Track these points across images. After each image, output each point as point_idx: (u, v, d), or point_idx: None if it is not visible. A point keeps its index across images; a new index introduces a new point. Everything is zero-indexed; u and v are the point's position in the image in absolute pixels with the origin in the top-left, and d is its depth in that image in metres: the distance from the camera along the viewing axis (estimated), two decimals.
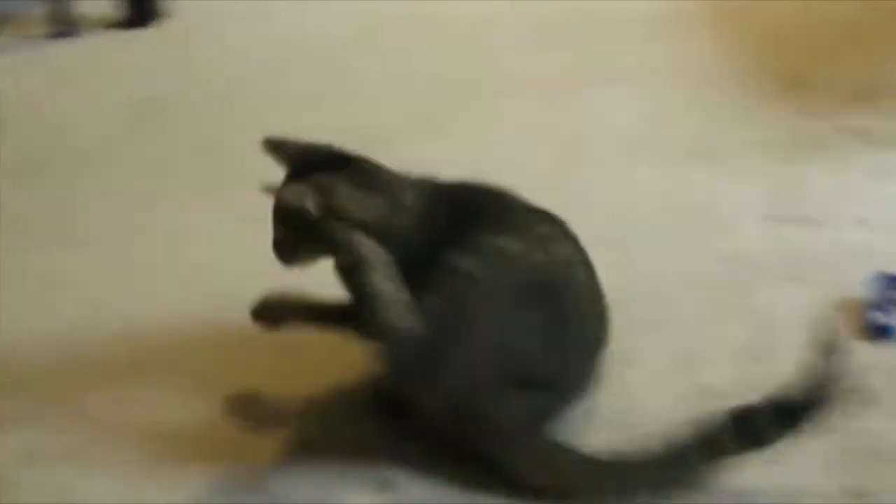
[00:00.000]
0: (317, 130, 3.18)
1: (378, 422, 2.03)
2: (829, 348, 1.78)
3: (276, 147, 2.11)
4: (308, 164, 2.07)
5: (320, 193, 1.97)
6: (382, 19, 4.14)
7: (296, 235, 2.01)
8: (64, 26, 4.32)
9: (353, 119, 3.28)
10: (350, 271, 1.95)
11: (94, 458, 2.03)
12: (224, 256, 2.62)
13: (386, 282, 1.90)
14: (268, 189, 2.04)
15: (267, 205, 2.56)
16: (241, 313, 2.21)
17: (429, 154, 2.99)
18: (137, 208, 2.93)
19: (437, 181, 2.13)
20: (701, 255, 2.50)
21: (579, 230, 2.44)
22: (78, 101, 3.77)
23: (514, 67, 3.63)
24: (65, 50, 4.22)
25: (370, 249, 1.93)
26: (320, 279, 2.03)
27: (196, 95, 3.67)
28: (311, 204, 1.96)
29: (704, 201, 2.72)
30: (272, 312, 2.13)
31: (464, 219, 2.00)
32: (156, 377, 2.23)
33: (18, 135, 3.53)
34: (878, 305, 2.23)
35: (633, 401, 2.06)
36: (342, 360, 2.13)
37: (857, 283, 2.29)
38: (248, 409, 2.14)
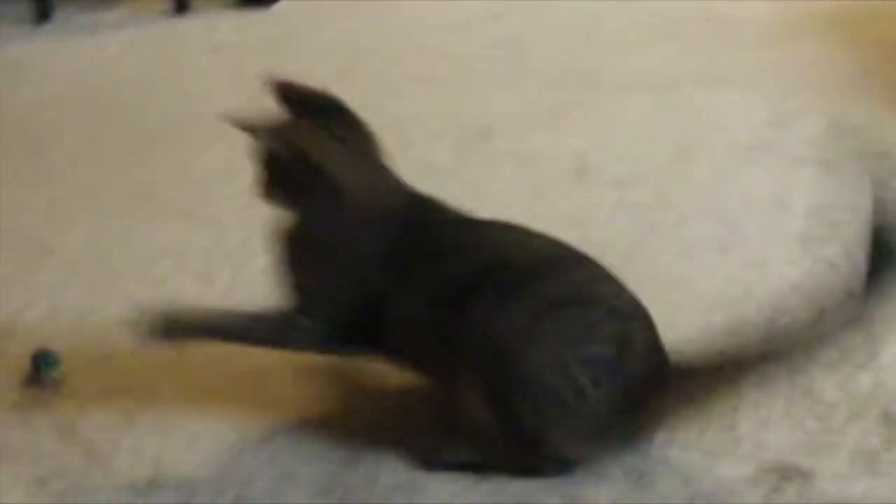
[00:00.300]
0: (427, 119, 3.23)
1: None
2: None
3: (279, 88, 2.10)
4: (303, 109, 2.06)
5: (296, 138, 1.96)
6: (499, 10, 4.14)
7: (272, 177, 2.00)
8: (181, 2, 4.38)
9: (463, 109, 3.29)
10: None
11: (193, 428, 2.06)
12: None
13: None
14: (242, 125, 2.00)
15: None
16: None
17: (537, 146, 3.01)
18: (246, 187, 2.95)
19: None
20: (808, 261, 2.46)
21: (686, 231, 2.45)
22: (195, 78, 3.82)
23: (629, 65, 3.62)
24: (182, 26, 4.29)
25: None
26: None
27: (309, 76, 3.68)
28: (281, 147, 1.95)
29: (815, 208, 2.68)
30: (172, 329, 2.02)
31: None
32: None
33: (136, 110, 3.59)
34: None
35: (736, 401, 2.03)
36: None
37: None
38: None
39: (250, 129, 1.99)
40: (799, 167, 2.88)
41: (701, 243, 2.54)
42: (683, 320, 2.22)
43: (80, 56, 4.15)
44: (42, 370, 2.17)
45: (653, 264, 2.46)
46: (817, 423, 1.96)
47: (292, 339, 2.00)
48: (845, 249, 2.47)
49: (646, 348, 1.85)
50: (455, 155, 2.99)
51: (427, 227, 2.00)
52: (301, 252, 2.00)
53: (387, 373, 2.04)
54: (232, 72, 3.84)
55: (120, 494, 1.89)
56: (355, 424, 2.02)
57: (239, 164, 3.05)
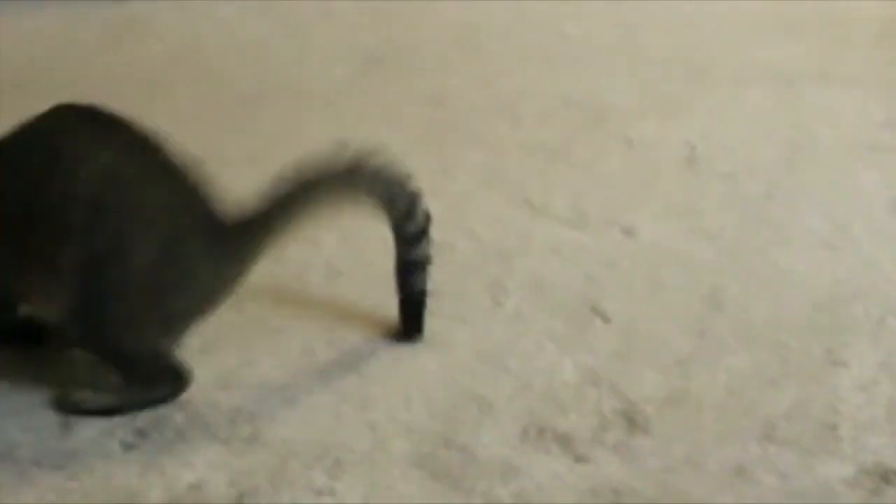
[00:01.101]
0: (539, 98, 3.22)
1: None
2: None
3: None
4: None
5: None
6: None
7: None
8: None
9: (578, 90, 3.28)
10: None
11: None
12: (441, 214, 2.62)
13: None
14: None
15: (494, 168, 2.60)
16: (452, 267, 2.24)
17: (647, 133, 2.99)
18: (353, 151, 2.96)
19: None
20: None
21: (794, 227, 2.42)
22: (307, 45, 3.83)
23: (745, 57, 3.58)
24: None
25: None
26: None
27: (425, 50, 3.70)
28: None
29: None
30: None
31: None
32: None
33: (248, 73, 3.61)
34: None
35: (838, 402, 2.01)
36: None
37: None
38: None
39: None
40: None
41: (809, 240, 2.51)
42: (788, 317, 2.20)
43: (198, 17, 4.18)
44: None
45: (759, 258, 2.43)
46: None
47: None
48: None
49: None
50: (565, 136, 2.97)
51: None
52: None
53: None
54: (345, 40, 3.85)
55: (217, 451, 1.91)
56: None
57: (350, 133, 3.09)
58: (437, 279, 2.34)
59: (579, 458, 1.86)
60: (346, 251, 2.51)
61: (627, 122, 3.05)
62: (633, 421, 1.94)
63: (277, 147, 3.04)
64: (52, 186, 1.95)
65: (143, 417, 2.00)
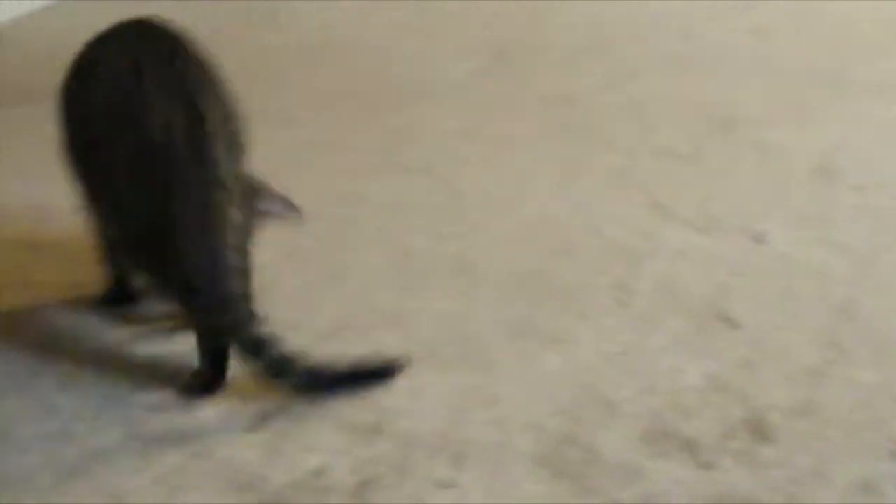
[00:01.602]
0: (670, 103, 3.20)
1: None
2: None
3: None
4: None
5: None
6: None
7: None
8: None
9: (707, 96, 3.25)
10: None
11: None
12: (568, 212, 2.62)
13: None
14: None
15: (623, 169, 2.57)
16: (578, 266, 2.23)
17: (780, 141, 2.95)
18: (484, 149, 2.96)
19: None
20: None
21: None
22: (436, 39, 3.85)
23: (880, 67, 3.52)
24: None
25: None
26: None
27: (553, 49, 3.69)
28: None
29: None
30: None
31: None
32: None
33: (380, 65, 3.64)
34: None
35: None
36: None
37: None
38: None
39: None
40: None
41: None
42: None
43: (327, 9, 4.22)
44: None
45: (893, 271, 2.38)
46: None
47: None
48: None
49: None
50: (696, 142, 2.94)
51: None
52: None
53: None
54: (475, 35, 3.86)
55: (340, 438, 1.92)
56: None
57: (479, 128, 3.10)
58: (564, 278, 2.33)
59: (703, 465, 1.83)
60: (474, 246, 2.50)
61: (760, 128, 3.01)
62: (758, 430, 1.90)
63: (406, 139, 3.06)
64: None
65: (267, 400, 2.01)
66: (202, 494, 1.81)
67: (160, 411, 2.01)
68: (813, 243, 2.45)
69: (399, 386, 2.03)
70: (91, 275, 2.28)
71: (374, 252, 2.48)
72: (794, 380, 2.02)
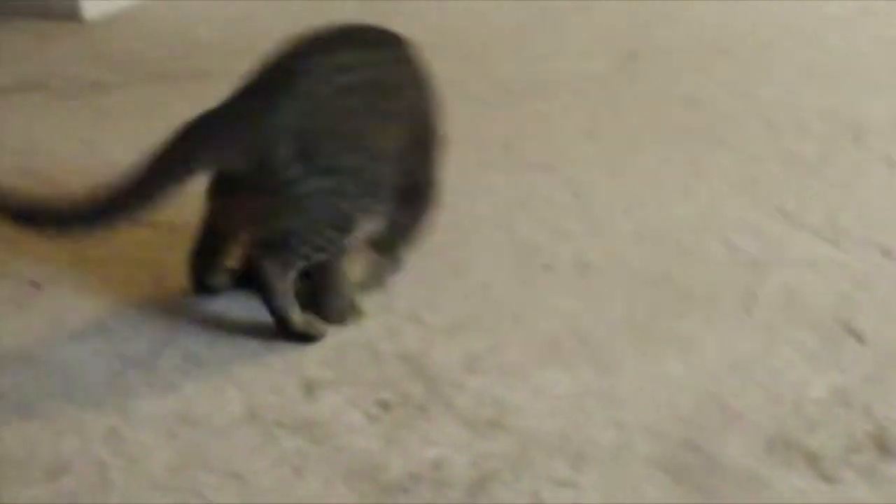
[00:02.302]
0: (797, 110, 3.16)
1: None
2: None
3: None
4: None
5: None
6: (878, 7, 4.00)
7: None
8: None
9: (839, 104, 3.20)
10: None
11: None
12: (693, 216, 2.59)
13: None
14: None
15: (749, 175, 2.55)
16: (703, 271, 2.21)
17: None
18: (609, 149, 2.95)
19: None
20: None
21: None
22: (563, 37, 3.84)
23: None
24: None
25: None
26: None
27: (682, 51, 3.67)
28: None
29: None
30: None
31: None
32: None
33: (502, 62, 3.63)
34: None
35: None
36: None
37: None
38: None
39: None
40: None
41: None
42: None
43: (453, 3, 4.22)
44: None
45: None
46: None
47: None
48: None
49: None
50: (823, 151, 2.90)
51: None
52: None
53: None
54: (602, 35, 3.84)
55: (459, 431, 1.92)
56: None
57: (603, 127, 3.09)
58: (688, 283, 2.32)
59: (826, 478, 1.81)
60: (593, 243, 2.49)
61: (889, 141, 2.96)
62: (884, 446, 1.88)
63: (530, 136, 3.06)
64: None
65: (387, 391, 2.02)
66: (321, 479, 1.83)
67: (281, 395, 2.03)
68: None
69: (520, 383, 2.04)
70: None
71: (496, 248, 2.48)
72: None
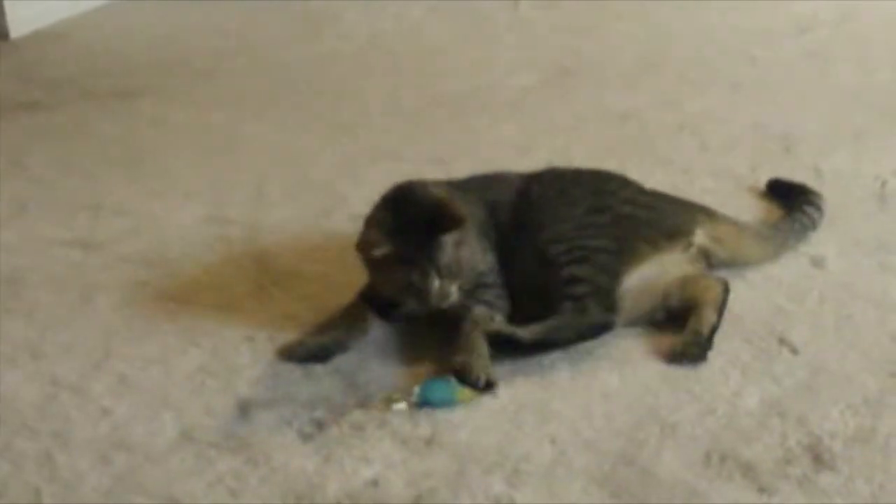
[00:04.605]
0: (727, 123, 3.18)
1: None
2: None
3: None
4: None
5: None
6: (805, 23, 4.03)
7: None
8: None
9: (764, 117, 3.22)
10: None
11: None
12: None
13: None
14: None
15: (679, 188, 2.56)
16: None
17: (838, 165, 2.92)
18: (542, 163, 2.94)
19: None
20: None
21: None
22: (495, 51, 3.85)
23: None
24: (488, 3, 4.32)
25: None
26: None
27: (613, 65, 3.68)
28: None
29: None
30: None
31: None
32: None
33: (433, 75, 3.65)
34: None
35: None
36: None
37: None
38: None
39: None
40: None
41: None
42: None
43: (383, 16, 4.22)
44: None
45: None
46: None
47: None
48: None
49: None
50: (753, 164, 2.92)
51: None
52: None
53: None
54: (533, 49, 3.85)
55: (396, 450, 1.91)
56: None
57: (535, 141, 3.09)
58: None
59: (762, 490, 1.82)
60: None
61: (817, 152, 2.98)
62: (818, 456, 1.89)
63: (461, 150, 3.06)
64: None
65: (322, 410, 2.01)
66: (258, 501, 1.82)
67: (216, 416, 2.01)
68: (871, 269, 2.43)
69: None
70: None
71: None
72: (855, 407, 2.00)
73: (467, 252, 2.15)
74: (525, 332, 2.13)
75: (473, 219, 2.21)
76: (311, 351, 2.18)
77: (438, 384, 2.04)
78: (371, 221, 2.18)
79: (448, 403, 2.01)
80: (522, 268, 2.24)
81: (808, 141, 3.06)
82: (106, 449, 1.95)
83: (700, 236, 2.34)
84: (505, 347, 2.11)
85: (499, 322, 2.17)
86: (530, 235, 2.27)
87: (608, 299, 2.17)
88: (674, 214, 2.36)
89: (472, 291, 2.17)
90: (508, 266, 2.25)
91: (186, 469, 1.90)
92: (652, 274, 2.25)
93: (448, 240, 2.10)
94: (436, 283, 2.10)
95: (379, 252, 2.10)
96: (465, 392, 2.02)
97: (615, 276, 2.20)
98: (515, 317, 2.20)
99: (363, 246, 2.13)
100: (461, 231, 2.12)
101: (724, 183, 2.82)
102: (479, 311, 2.16)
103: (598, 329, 2.15)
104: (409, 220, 2.14)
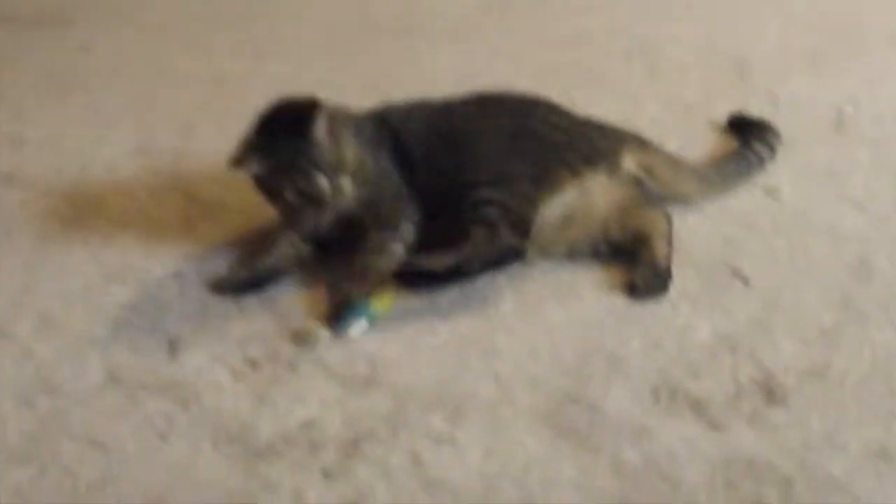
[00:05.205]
0: (678, 47, 3.10)
1: None
2: None
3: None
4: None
5: None
6: None
7: None
8: None
9: (717, 41, 3.15)
10: None
11: None
12: None
13: None
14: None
15: (627, 118, 2.49)
16: None
17: (794, 90, 2.85)
18: (482, 89, 2.87)
19: None
20: None
21: None
22: None
23: None
24: None
25: None
26: None
27: None
28: None
29: None
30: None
31: None
32: None
33: (373, 2, 3.55)
34: None
35: None
36: None
37: None
38: None
39: None
40: None
41: None
42: None
43: None
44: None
45: None
46: None
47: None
48: None
49: None
50: (705, 89, 2.84)
51: None
52: None
53: None
54: None
55: (332, 390, 1.84)
56: None
57: (475, 68, 3.01)
58: None
59: (713, 426, 1.76)
60: None
61: (773, 78, 2.90)
62: (770, 391, 1.82)
63: (395, 77, 2.96)
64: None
65: (255, 347, 1.93)
66: (188, 443, 1.75)
67: (143, 356, 1.93)
68: (827, 199, 2.36)
69: (394, 335, 1.96)
70: None
71: None
72: (808, 341, 1.94)
73: (347, 142, 2.09)
74: (435, 263, 2.05)
75: (359, 129, 2.15)
76: (241, 282, 2.10)
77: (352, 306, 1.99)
78: (239, 143, 2.10)
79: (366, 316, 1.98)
80: (437, 191, 2.15)
81: (763, 65, 2.99)
82: (29, 391, 1.87)
83: (629, 163, 2.25)
84: (415, 280, 2.04)
85: (399, 252, 2.09)
86: (448, 160, 2.18)
87: (522, 224, 2.09)
88: (598, 139, 2.26)
89: (374, 205, 2.11)
90: (423, 191, 2.16)
91: (114, 411, 1.82)
92: (576, 201, 2.16)
93: (318, 134, 2.04)
94: (322, 180, 2.03)
95: (249, 170, 2.04)
96: (381, 302, 1.98)
97: (531, 202, 2.12)
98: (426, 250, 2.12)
99: (232, 168, 2.05)
100: (326, 120, 2.06)
101: (674, 112, 2.74)
102: (377, 239, 2.10)
103: (509, 254, 2.08)
104: (274, 130, 2.07)
